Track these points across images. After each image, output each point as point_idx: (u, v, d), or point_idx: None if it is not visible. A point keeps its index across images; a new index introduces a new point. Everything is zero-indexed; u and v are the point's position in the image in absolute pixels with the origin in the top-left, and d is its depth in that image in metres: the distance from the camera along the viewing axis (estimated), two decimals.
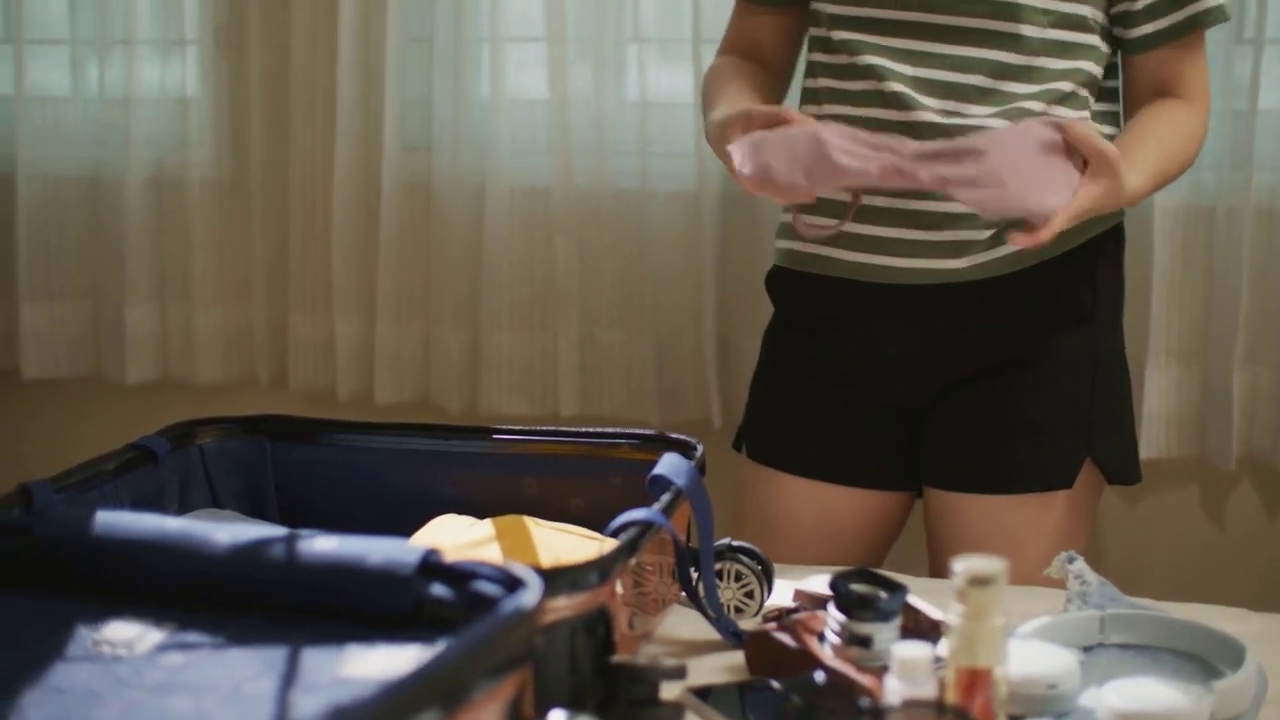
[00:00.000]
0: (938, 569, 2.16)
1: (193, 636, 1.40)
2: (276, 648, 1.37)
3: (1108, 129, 2.06)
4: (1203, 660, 1.61)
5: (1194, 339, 2.48)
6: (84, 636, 1.40)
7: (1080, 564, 1.72)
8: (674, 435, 1.86)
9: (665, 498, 1.66)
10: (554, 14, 2.64)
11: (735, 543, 1.79)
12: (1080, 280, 2.09)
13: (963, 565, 1.39)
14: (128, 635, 1.40)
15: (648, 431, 1.88)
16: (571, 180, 2.66)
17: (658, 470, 1.71)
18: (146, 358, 2.95)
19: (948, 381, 2.11)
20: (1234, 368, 2.43)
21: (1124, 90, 2.11)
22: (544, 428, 1.93)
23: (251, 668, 1.33)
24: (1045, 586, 1.79)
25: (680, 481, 1.69)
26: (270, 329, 2.91)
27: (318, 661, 1.34)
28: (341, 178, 2.76)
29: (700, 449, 1.80)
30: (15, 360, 3.03)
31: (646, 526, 1.58)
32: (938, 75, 1.99)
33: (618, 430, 1.89)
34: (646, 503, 1.65)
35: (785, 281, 2.19)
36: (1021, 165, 1.78)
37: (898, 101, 1.99)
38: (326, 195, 2.79)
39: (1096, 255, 2.09)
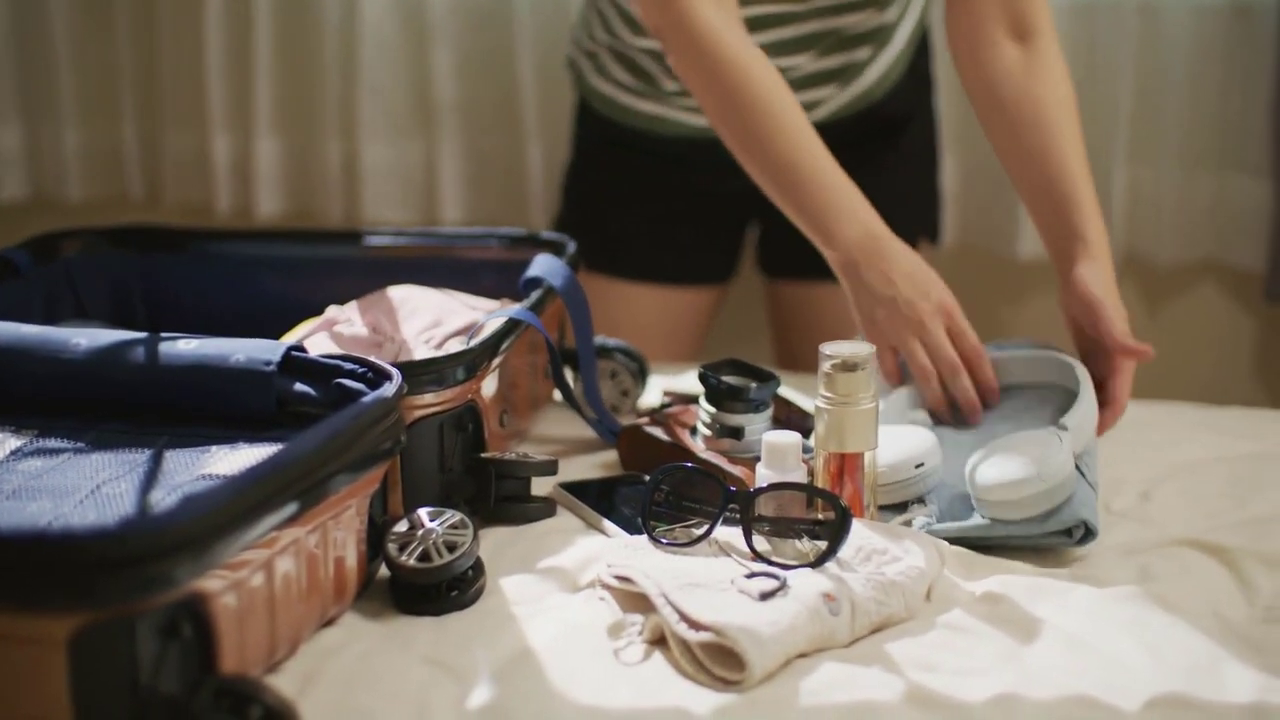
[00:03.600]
0: (787, 360, 2.23)
1: (53, 442, 1.38)
2: (139, 450, 1.35)
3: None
4: (1056, 386, 1.65)
5: None
6: None
7: None
8: (544, 235, 1.84)
9: (533, 296, 1.64)
10: None
11: (610, 341, 1.78)
12: (905, 90, 2.10)
13: (831, 350, 1.38)
14: None
15: (518, 231, 1.85)
16: None
17: (531, 271, 1.69)
18: (15, 176, 2.88)
19: None
20: (1115, 166, 2.43)
21: (957, 18, 1.87)
22: (412, 229, 1.90)
23: (112, 470, 1.31)
24: None
25: (552, 280, 1.67)
26: (143, 144, 2.85)
27: (180, 462, 1.32)
28: None
29: (572, 247, 1.78)
30: None
31: (513, 324, 1.56)
32: None
33: (487, 230, 1.87)
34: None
35: (607, 124, 2.16)
36: None
37: None
38: (195, 4, 2.72)
39: (913, 61, 2.10)
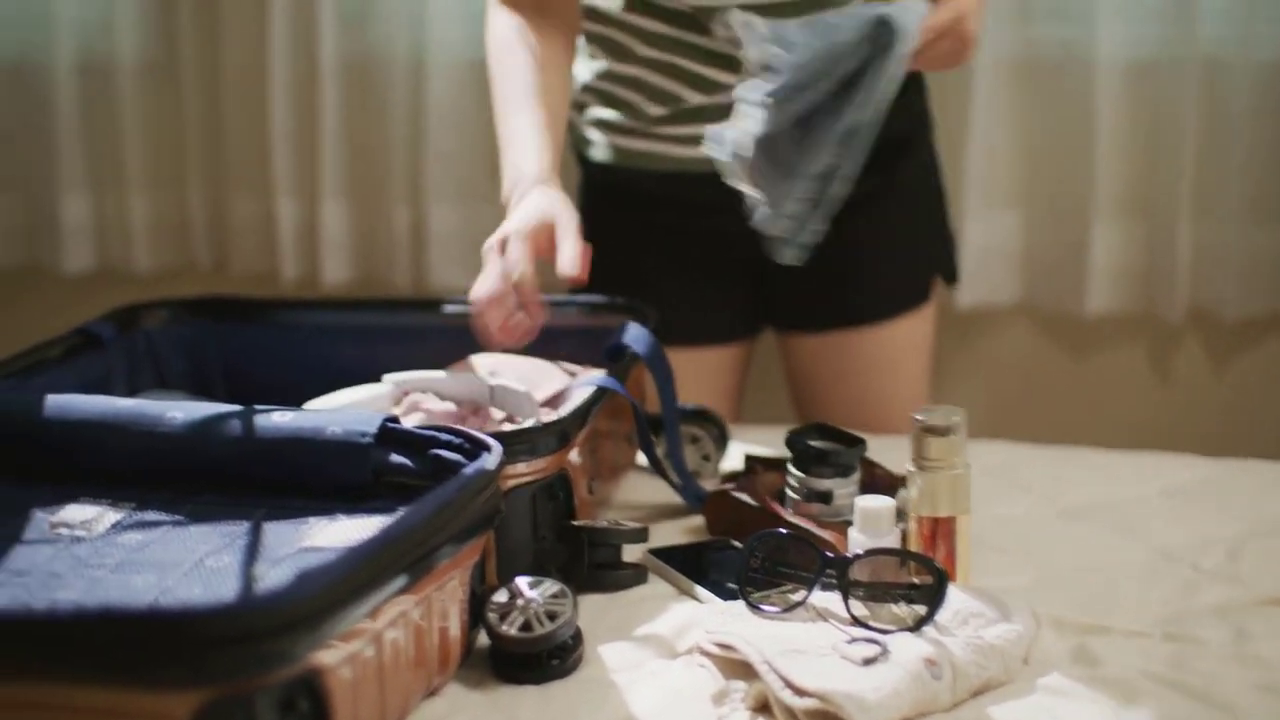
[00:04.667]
0: (806, 413, 2.22)
1: (151, 515, 1.39)
2: (237, 523, 1.36)
3: None
4: None
5: (1139, 193, 2.47)
6: (40, 520, 1.39)
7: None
8: (625, 300, 1.85)
9: (619, 362, 1.65)
10: None
11: (690, 406, 1.79)
12: (897, 113, 2.08)
13: (923, 415, 1.39)
14: (85, 516, 1.39)
15: (598, 297, 1.87)
16: None
17: (617, 338, 1.70)
18: (83, 247, 2.91)
19: None
20: (1180, 221, 2.43)
21: None
22: None
23: (212, 543, 1.32)
24: None
25: (636, 347, 1.68)
26: (209, 213, 2.87)
27: (280, 534, 1.33)
28: (276, 55, 2.71)
29: (654, 315, 1.79)
30: None
31: (601, 391, 1.57)
32: None
33: (568, 297, 1.88)
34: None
35: (606, 172, 2.17)
36: None
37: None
38: (261, 73, 2.74)
39: (901, 89, 2.08)
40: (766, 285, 2.18)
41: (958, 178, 2.49)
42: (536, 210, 1.70)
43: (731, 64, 1.94)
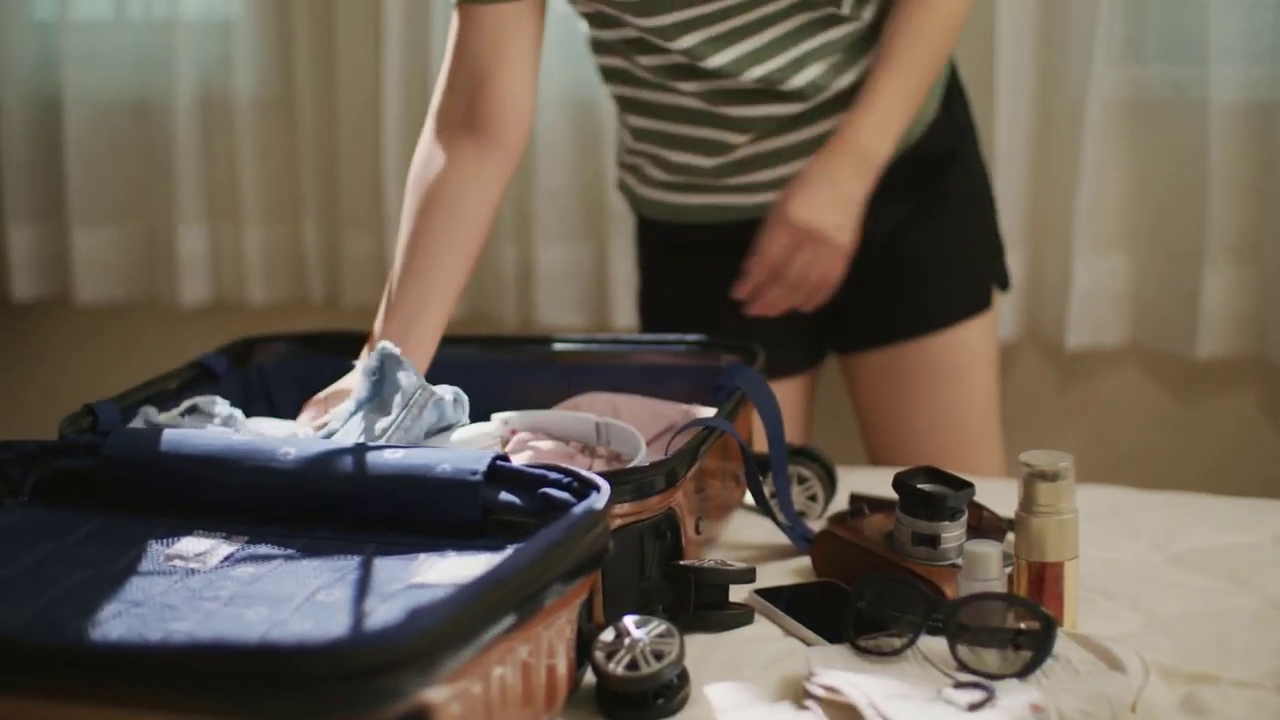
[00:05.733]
0: (877, 438, 2.23)
1: (264, 549, 1.41)
2: (348, 558, 1.38)
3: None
4: None
5: (1252, 237, 2.45)
6: (156, 552, 1.41)
7: None
8: (732, 340, 1.86)
9: (728, 402, 1.66)
10: None
11: (797, 445, 1.79)
12: (941, 129, 2.11)
13: (1030, 459, 1.39)
14: (199, 549, 1.41)
15: (705, 338, 1.88)
16: None
17: (725, 378, 1.71)
18: (199, 280, 2.96)
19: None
20: None
21: None
22: (600, 335, 1.92)
23: (324, 577, 1.34)
24: None
25: (745, 386, 1.69)
26: (322, 248, 2.91)
27: (390, 570, 1.35)
28: (390, 92, 2.75)
29: (761, 354, 1.80)
30: (68, 286, 3.04)
31: (709, 431, 1.58)
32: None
33: (675, 337, 1.89)
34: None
35: (661, 226, 2.19)
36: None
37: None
38: (375, 110, 2.78)
39: (946, 102, 2.12)
40: (826, 310, 2.16)
41: (1067, 219, 2.48)
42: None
43: (768, 95, 1.95)
